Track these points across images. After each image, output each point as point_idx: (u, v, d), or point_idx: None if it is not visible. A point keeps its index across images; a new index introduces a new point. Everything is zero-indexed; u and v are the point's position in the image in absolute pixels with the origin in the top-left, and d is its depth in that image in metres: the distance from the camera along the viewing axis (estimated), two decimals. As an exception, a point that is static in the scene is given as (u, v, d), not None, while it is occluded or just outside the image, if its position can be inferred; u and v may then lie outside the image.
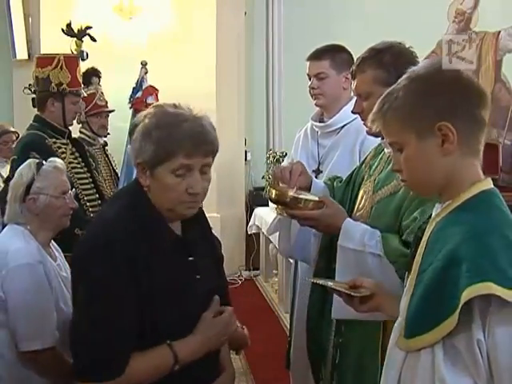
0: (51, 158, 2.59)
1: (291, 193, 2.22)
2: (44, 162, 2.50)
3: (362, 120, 2.29)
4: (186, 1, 6.74)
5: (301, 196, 2.21)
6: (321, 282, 2.00)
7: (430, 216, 1.56)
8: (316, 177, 3.09)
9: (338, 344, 2.29)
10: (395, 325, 1.53)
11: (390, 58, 2.18)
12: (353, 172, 2.55)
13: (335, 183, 2.62)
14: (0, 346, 2.25)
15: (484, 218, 1.40)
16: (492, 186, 1.46)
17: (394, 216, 2.11)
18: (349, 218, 2.22)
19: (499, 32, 7.95)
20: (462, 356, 1.32)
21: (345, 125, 3.13)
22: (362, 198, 2.32)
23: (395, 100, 1.48)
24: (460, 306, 1.29)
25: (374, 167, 2.36)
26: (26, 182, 2.40)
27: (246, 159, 7.51)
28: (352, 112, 2.39)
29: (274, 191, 2.23)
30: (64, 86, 3.68)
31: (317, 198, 2.22)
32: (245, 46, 7.31)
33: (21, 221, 2.40)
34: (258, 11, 7.57)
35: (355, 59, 2.33)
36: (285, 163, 3.59)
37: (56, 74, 3.69)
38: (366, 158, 2.51)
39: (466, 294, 1.28)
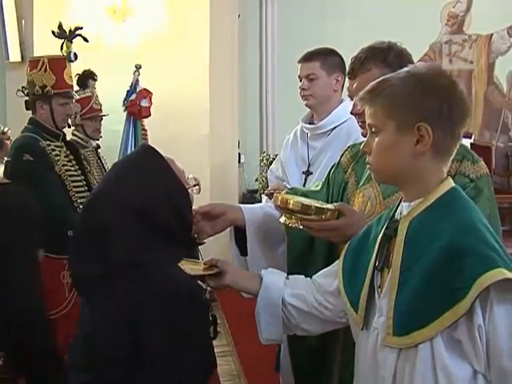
0: None
1: (301, 200, 1.98)
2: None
3: (359, 121, 2.16)
4: (180, 3, 6.74)
5: (314, 204, 1.96)
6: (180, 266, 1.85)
7: (393, 216, 1.59)
8: (306, 178, 3.13)
9: (345, 362, 2.10)
10: (374, 325, 1.54)
11: (394, 58, 2.12)
12: (328, 175, 2.38)
13: (309, 192, 2.39)
14: None
15: (466, 211, 1.47)
16: (454, 184, 1.53)
17: None
18: None
19: (492, 35, 7.99)
20: (461, 345, 1.38)
21: (335, 127, 3.15)
22: (365, 203, 2.14)
23: (389, 87, 1.52)
24: (477, 292, 1.33)
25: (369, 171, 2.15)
26: None
27: (239, 161, 7.50)
28: (351, 113, 2.23)
29: (280, 197, 1.97)
30: (48, 89, 3.66)
31: (331, 206, 1.98)
32: (238, 48, 7.31)
33: None
34: (252, 14, 7.58)
35: (351, 59, 2.21)
36: (273, 166, 3.63)
37: (39, 77, 3.67)
38: (340, 160, 2.35)
39: (480, 283, 1.33)
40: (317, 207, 1.93)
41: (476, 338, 1.35)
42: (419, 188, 1.52)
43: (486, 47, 8.01)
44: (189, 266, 1.83)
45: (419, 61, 7.74)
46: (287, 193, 2.21)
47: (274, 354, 3.30)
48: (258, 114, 7.63)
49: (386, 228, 1.58)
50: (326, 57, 3.20)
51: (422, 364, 1.40)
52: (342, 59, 3.21)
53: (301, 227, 1.98)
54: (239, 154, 7.50)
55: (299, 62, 3.26)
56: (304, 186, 3.10)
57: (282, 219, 2.03)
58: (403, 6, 7.54)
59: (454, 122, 1.50)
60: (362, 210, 2.14)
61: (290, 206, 1.93)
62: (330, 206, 1.99)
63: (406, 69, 1.57)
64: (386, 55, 2.12)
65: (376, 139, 1.54)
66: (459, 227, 1.42)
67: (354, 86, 2.17)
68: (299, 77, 3.25)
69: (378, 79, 1.58)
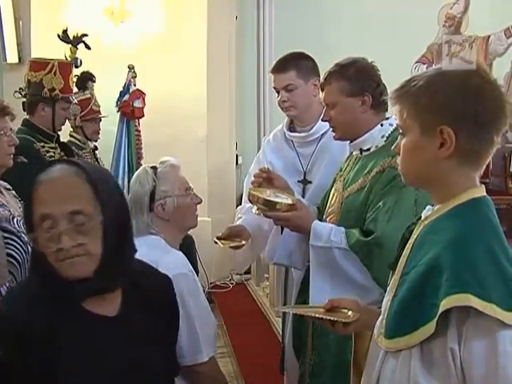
0: (164, 158, 2.38)
1: (268, 196, 2.49)
2: (157, 165, 2.33)
3: (331, 127, 2.58)
4: (177, 5, 6.74)
5: (276, 199, 2.47)
6: (294, 310, 2.14)
7: (420, 217, 1.56)
8: (304, 188, 3.08)
9: (317, 326, 2.48)
10: (377, 322, 1.54)
11: (353, 72, 2.44)
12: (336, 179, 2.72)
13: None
14: None
15: (468, 225, 1.38)
16: (484, 193, 1.45)
17: (361, 209, 2.39)
18: (317, 220, 2.51)
19: (489, 36, 8.00)
20: (437, 362, 1.32)
21: (325, 132, 3.03)
22: (333, 195, 2.59)
23: (413, 87, 1.44)
24: (438, 315, 1.28)
25: (343, 168, 2.62)
26: (149, 190, 2.26)
27: (237, 163, 7.50)
28: (322, 120, 2.63)
29: (253, 193, 2.49)
30: (56, 92, 3.67)
31: (290, 201, 2.49)
32: (236, 49, 7.31)
33: (153, 231, 2.26)
34: (249, 15, 7.57)
35: (324, 73, 2.54)
36: (252, 169, 3.25)
37: (49, 79, 3.68)
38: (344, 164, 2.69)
39: (444, 304, 1.28)
40: (277, 202, 2.45)
41: (448, 360, 1.29)
42: (444, 193, 1.45)
43: (484, 49, 8.01)
44: (303, 309, 1.94)
45: (417, 62, 7.75)
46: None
47: (272, 355, 3.30)
48: (256, 115, 7.60)
49: (406, 228, 1.57)
50: (299, 63, 3.05)
51: (399, 374, 1.37)
52: (314, 61, 3.10)
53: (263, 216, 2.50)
54: (237, 156, 7.50)
55: (272, 72, 3.11)
56: (303, 195, 3.03)
57: (254, 210, 2.51)
58: (401, 7, 7.54)
59: (483, 125, 1.39)
60: (331, 201, 2.60)
61: (271, 200, 2.44)
62: (289, 201, 2.49)
63: (437, 66, 1.47)
64: (345, 70, 2.45)
65: (402, 141, 1.48)
66: (451, 241, 1.35)
67: (322, 97, 2.55)
68: (275, 88, 3.11)
69: (406, 79, 1.49)
